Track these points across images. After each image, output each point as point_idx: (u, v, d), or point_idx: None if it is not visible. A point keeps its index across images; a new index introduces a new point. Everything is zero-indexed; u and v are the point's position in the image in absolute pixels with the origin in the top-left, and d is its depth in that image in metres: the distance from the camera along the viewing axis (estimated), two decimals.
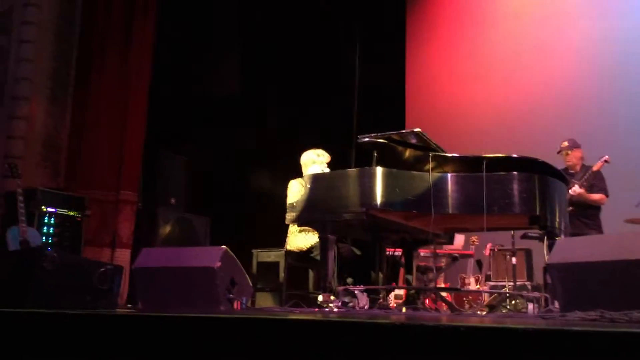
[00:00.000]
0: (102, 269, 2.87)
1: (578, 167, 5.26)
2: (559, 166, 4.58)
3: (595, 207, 5.12)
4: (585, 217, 5.07)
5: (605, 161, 5.01)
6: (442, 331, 1.31)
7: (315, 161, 4.71)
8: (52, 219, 4.98)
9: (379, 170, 3.61)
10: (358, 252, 4.71)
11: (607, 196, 5.09)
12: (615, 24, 6.43)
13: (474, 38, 7.29)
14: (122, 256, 5.36)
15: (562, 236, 3.73)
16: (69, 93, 5.94)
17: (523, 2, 7.13)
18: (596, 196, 5.07)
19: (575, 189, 5.00)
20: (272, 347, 1.84)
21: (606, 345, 1.19)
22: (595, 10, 6.63)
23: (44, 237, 4.82)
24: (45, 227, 4.92)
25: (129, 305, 4.61)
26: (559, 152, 5.28)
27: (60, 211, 5.05)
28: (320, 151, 4.78)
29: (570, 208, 5.00)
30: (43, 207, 4.91)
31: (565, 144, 5.28)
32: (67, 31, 6.00)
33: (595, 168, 5.02)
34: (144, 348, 2.08)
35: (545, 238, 3.76)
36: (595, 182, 5.07)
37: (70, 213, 5.13)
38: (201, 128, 7.24)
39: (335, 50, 7.48)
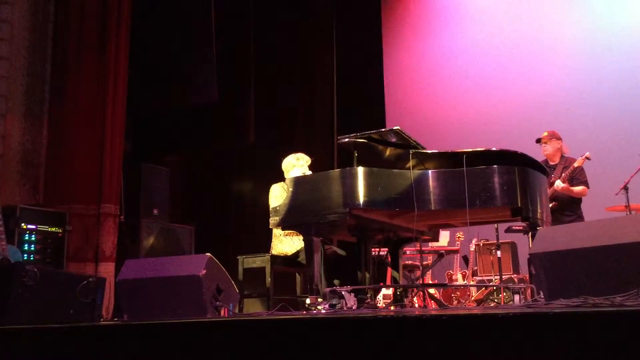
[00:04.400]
0: (84, 282, 2.83)
1: (556, 159, 5.30)
2: (539, 159, 4.61)
3: (577, 200, 5.17)
4: (567, 210, 5.12)
5: (587, 158, 5.04)
6: (426, 321, 1.31)
7: (295, 165, 4.71)
8: (33, 235, 4.91)
9: (360, 170, 3.62)
10: (342, 252, 4.71)
11: (588, 187, 5.14)
12: (596, 20, 6.51)
13: (452, 34, 7.32)
14: (106, 270, 5.29)
15: (544, 226, 3.76)
16: (45, 108, 5.86)
17: None
18: (578, 189, 5.11)
19: (558, 184, 5.04)
20: (258, 349, 1.83)
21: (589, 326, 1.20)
22: (576, 6, 6.68)
23: (25, 255, 4.75)
24: (26, 245, 4.84)
25: (115, 319, 4.55)
26: (537, 141, 5.32)
27: (41, 228, 4.98)
28: (300, 155, 4.79)
29: (553, 203, 5.05)
30: (23, 224, 4.84)
31: (545, 133, 5.33)
32: (40, 46, 5.92)
33: (576, 164, 5.06)
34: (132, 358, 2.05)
35: (529, 229, 3.79)
36: (576, 175, 5.11)
37: (51, 229, 5.06)
38: (182, 138, 7.18)
39: (312, 55, 7.49)
